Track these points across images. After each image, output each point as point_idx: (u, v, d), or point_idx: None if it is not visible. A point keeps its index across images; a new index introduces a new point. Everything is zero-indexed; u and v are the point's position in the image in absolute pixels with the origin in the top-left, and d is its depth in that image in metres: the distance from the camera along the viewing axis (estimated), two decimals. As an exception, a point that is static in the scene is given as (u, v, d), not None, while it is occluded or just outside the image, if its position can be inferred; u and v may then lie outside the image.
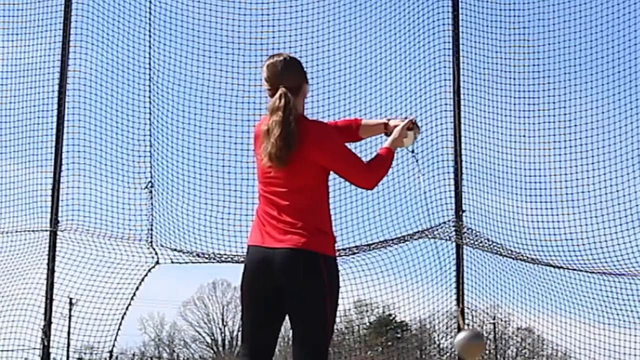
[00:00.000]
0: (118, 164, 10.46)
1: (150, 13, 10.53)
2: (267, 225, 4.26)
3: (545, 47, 10.36)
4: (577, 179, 9.82)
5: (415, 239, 10.17)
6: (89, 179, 10.45)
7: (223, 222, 10.08)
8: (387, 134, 4.67)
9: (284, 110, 4.21)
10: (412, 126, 4.63)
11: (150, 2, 10.56)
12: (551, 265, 9.77)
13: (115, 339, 10.13)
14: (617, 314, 9.56)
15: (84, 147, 10.50)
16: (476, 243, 9.99)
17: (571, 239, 9.65)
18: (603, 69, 9.96)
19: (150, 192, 10.13)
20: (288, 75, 4.32)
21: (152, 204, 10.10)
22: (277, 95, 4.27)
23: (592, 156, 9.79)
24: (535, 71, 10.30)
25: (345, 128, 4.73)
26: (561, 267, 9.74)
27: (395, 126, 4.63)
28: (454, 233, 9.96)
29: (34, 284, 10.31)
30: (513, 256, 9.89)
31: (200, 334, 61.86)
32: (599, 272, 9.54)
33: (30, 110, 10.62)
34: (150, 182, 10.15)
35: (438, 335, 12.41)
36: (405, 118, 4.68)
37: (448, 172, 10.12)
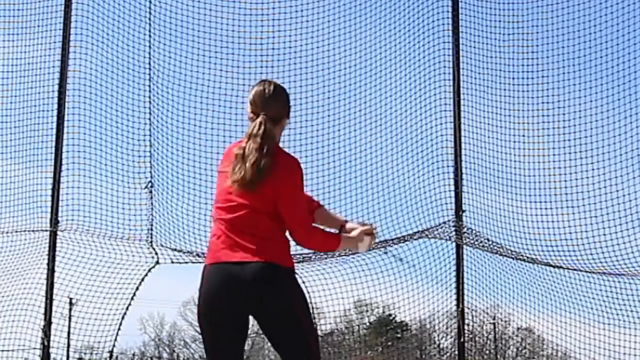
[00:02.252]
0: (118, 164, 10.47)
1: (150, 13, 10.54)
2: (227, 242, 4.28)
3: (545, 47, 10.37)
4: (576, 179, 9.83)
5: (415, 239, 10.17)
6: (89, 179, 10.46)
7: (223, 222, 10.07)
8: (340, 232, 4.61)
9: (262, 137, 4.25)
10: (370, 233, 4.56)
11: (150, 2, 10.57)
12: (551, 265, 9.77)
13: (115, 339, 10.14)
14: (617, 314, 9.56)
15: (84, 147, 10.51)
16: (476, 243, 9.99)
17: (571, 239, 9.65)
18: (603, 69, 9.96)
19: (150, 192, 10.13)
20: (273, 105, 4.36)
21: (152, 204, 10.10)
22: (257, 122, 4.30)
23: (592, 156, 9.80)
24: (535, 71, 10.31)
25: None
26: (561, 267, 9.74)
27: (352, 229, 4.57)
28: (454, 233, 9.96)
29: (34, 284, 10.31)
30: (513, 256, 9.89)
31: (200, 334, 61.81)
32: (598, 272, 9.54)
33: (30, 110, 10.63)
34: (150, 182, 10.15)
35: (438, 335, 12.42)
36: (364, 224, 4.61)
37: (448, 172, 10.12)
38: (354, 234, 4.54)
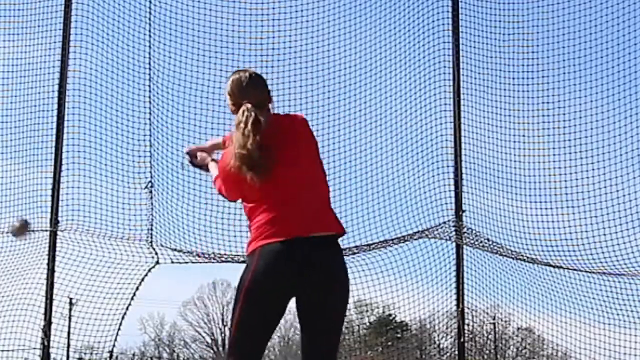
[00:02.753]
0: (118, 164, 10.47)
1: (150, 13, 10.54)
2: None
3: (545, 47, 10.37)
4: (576, 179, 9.83)
5: (415, 239, 10.17)
6: (89, 179, 10.45)
7: (223, 222, 10.09)
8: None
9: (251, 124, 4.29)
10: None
11: (150, 2, 10.57)
12: (551, 265, 9.77)
13: (115, 339, 10.14)
14: (617, 314, 9.56)
15: (84, 147, 10.50)
16: (476, 243, 9.99)
17: (571, 239, 9.66)
18: (603, 68, 9.96)
19: (150, 192, 10.13)
20: (252, 92, 4.33)
21: (152, 204, 10.10)
22: (241, 110, 4.29)
23: (592, 156, 9.80)
24: (535, 71, 10.31)
25: None
26: (561, 267, 9.74)
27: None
28: (454, 233, 9.96)
29: (34, 284, 10.31)
30: (513, 256, 9.89)
31: (200, 334, 61.89)
32: (598, 272, 9.54)
33: (30, 110, 10.62)
34: (150, 182, 10.15)
35: (438, 335, 12.41)
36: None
37: (448, 172, 10.12)
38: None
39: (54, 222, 10.25)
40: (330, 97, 10.60)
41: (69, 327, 10.57)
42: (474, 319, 10.40)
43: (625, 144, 9.67)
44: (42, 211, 10.35)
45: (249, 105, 4.23)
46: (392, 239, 10.14)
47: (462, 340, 10.00)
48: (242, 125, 4.17)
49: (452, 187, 10.07)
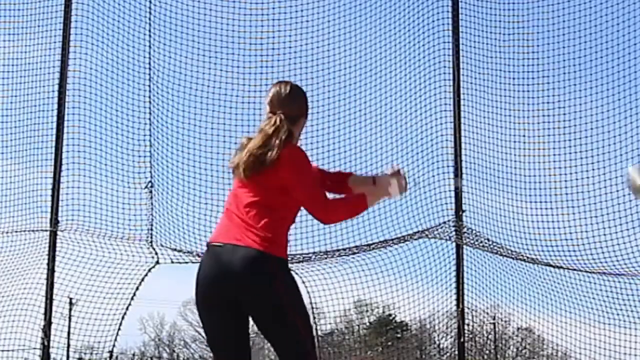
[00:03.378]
0: (118, 164, 10.47)
1: (150, 13, 10.54)
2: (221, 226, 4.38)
3: (545, 47, 10.37)
4: (576, 179, 9.83)
5: (415, 239, 10.17)
6: (89, 179, 10.45)
7: (223, 222, 10.07)
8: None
9: (272, 132, 4.33)
10: (398, 175, 4.57)
11: (150, 2, 10.57)
12: (551, 265, 9.77)
13: (115, 339, 10.14)
14: (617, 314, 9.56)
15: (84, 147, 10.50)
16: (476, 243, 9.99)
17: (571, 239, 9.65)
18: (603, 68, 9.96)
19: (150, 192, 10.13)
20: (288, 104, 4.43)
21: (152, 204, 10.10)
22: (272, 118, 4.38)
23: (592, 156, 9.80)
24: (535, 71, 10.31)
25: (334, 175, 4.84)
26: (561, 267, 9.74)
27: (381, 180, 4.60)
28: (454, 233, 9.96)
29: (34, 284, 10.31)
30: (513, 256, 9.89)
31: (200, 334, 61.82)
32: (598, 272, 9.54)
33: (30, 110, 10.63)
34: (150, 182, 10.15)
35: (438, 335, 12.41)
36: (392, 168, 4.64)
37: (448, 172, 10.12)
38: (379, 181, 4.59)
39: (54, 222, 10.25)
40: (330, 97, 10.60)
41: (69, 327, 10.57)
42: (474, 319, 10.40)
43: (625, 144, 9.67)
44: (42, 211, 10.36)
45: (281, 116, 4.37)
46: (392, 239, 10.14)
47: (462, 340, 10.00)
48: (261, 129, 4.39)
49: (452, 187, 10.07)
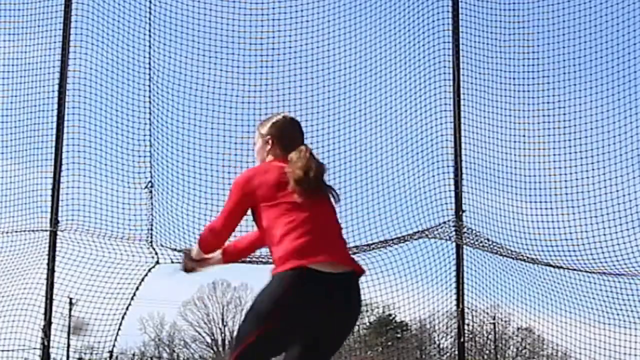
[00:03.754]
0: (118, 164, 10.46)
1: (150, 13, 10.54)
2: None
3: (545, 47, 10.37)
4: (576, 179, 9.83)
5: (415, 239, 10.17)
6: (89, 179, 10.45)
7: (223, 222, 10.06)
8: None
9: None
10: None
11: (150, 2, 10.57)
12: (551, 265, 9.77)
13: (115, 339, 10.13)
14: (617, 314, 9.56)
15: (84, 147, 10.50)
16: (476, 243, 9.99)
17: (571, 239, 9.65)
18: (603, 69, 9.96)
19: (150, 192, 10.12)
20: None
21: (152, 204, 10.10)
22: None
23: (592, 156, 9.80)
24: (535, 71, 10.31)
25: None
26: (561, 267, 9.74)
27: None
28: (454, 233, 9.96)
29: (34, 284, 10.30)
30: (513, 256, 9.89)
31: (200, 334, 61.91)
32: (598, 272, 9.54)
33: (30, 110, 10.62)
34: (150, 182, 10.15)
35: (438, 335, 12.41)
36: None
37: (448, 172, 10.12)
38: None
39: (54, 222, 10.25)
40: (330, 97, 10.60)
41: (69, 327, 10.57)
42: (474, 319, 10.40)
43: (625, 144, 9.67)
44: (42, 211, 10.35)
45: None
46: (392, 239, 10.14)
47: (462, 340, 10.00)
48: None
49: (452, 187, 10.07)
